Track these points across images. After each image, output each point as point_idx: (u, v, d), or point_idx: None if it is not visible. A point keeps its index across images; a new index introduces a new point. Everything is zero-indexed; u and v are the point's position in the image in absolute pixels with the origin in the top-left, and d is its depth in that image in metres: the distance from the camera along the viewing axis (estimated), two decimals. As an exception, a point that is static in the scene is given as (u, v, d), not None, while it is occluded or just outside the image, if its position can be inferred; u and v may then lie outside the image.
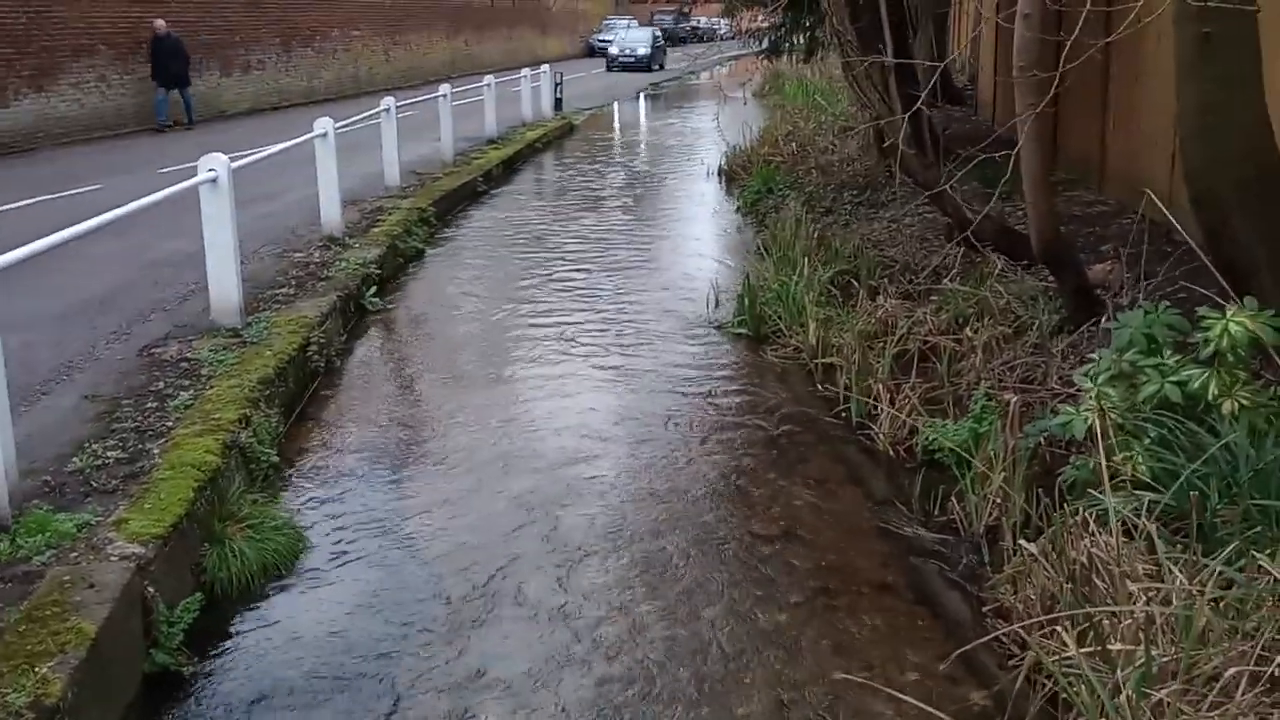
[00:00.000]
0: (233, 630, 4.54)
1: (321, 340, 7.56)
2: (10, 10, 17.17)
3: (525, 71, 23.16)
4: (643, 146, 22.01)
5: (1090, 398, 4.54)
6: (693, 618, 4.52)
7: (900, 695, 3.79)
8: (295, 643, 4.42)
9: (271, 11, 25.15)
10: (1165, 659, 3.35)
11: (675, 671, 4.15)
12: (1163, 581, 3.68)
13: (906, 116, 7.91)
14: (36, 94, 17.79)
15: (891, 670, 4.12)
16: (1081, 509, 4.17)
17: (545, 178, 18.08)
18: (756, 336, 8.15)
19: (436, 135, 16.28)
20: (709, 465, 6.09)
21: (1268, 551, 3.63)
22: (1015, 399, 5.21)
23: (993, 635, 4.07)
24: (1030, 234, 6.71)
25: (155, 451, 5.33)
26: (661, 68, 42.12)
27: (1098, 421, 4.34)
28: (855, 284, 8.40)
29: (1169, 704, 3.18)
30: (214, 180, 7.30)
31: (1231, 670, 3.23)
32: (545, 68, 24.92)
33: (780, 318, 8.08)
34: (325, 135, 10.57)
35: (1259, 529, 3.87)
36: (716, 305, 9.02)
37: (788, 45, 16.88)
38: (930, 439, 5.77)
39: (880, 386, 6.37)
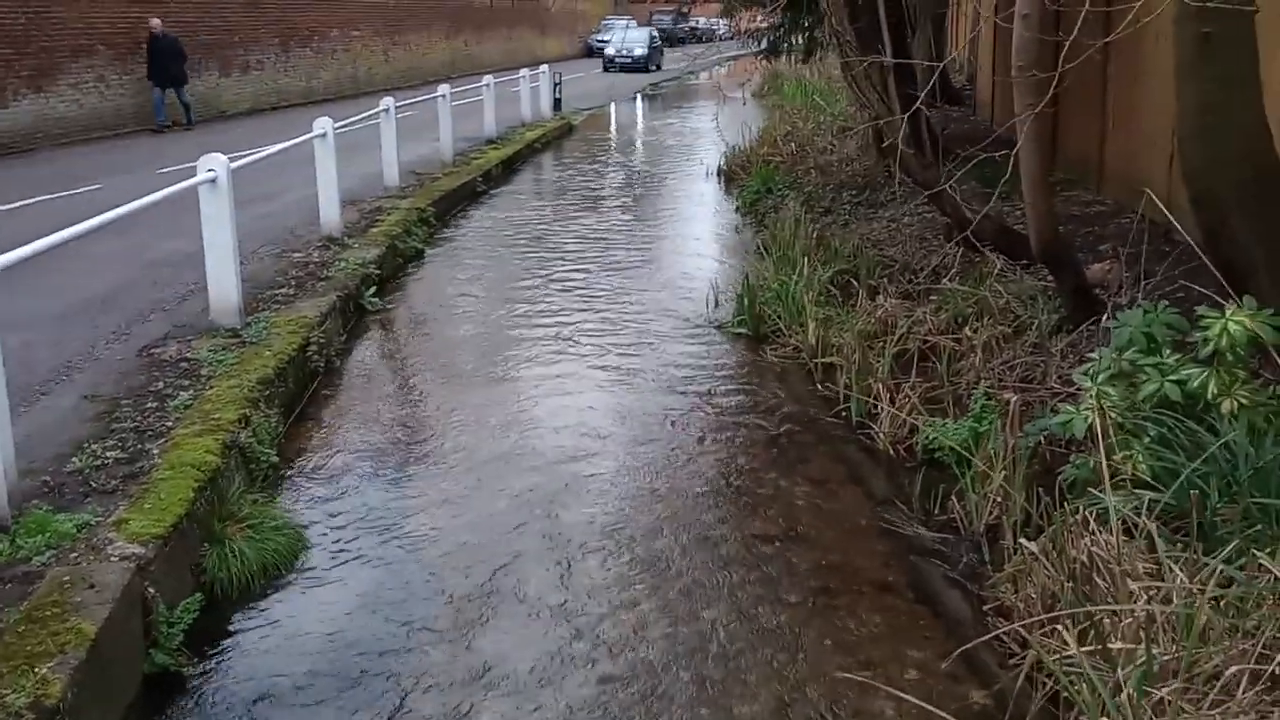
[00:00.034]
0: (233, 630, 4.54)
1: (321, 340, 7.56)
2: (9, 10, 17.15)
3: (524, 72, 23.15)
4: (642, 146, 22.00)
5: (1090, 397, 4.54)
6: (693, 616, 4.52)
7: (901, 694, 3.80)
8: (295, 642, 4.42)
9: (270, 12, 25.13)
10: (1166, 657, 3.36)
11: (676, 670, 4.16)
12: (1163, 580, 3.69)
13: (905, 116, 7.93)
14: (35, 94, 17.78)
15: (892, 669, 4.12)
16: (1082, 508, 4.17)
17: (544, 178, 18.07)
18: (756, 336, 8.16)
19: (436, 135, 16.26)
20: (709, 464, 6.10)
21: (1268, 550, 3.64)
22: (1015, 398, 5.22)
23: (993, 634, 4.06)
24: (1029, 234, 6.71)
25: (155, 452, 5.33)
26: (659, 68, 42.05)
27: (1098, 420, 4.35)
28: (855, 283, 8.40)
29: (1170, 702, 3.19)
30: (213, 180, 7.30)
31: (1232, 669, 3.24)
32: (544, 68, 24.91)
33: (780, 317, 8.08)
34: (324, 135, 10.57)
35: (1259, 527, 3.87)
36: (716, 305, 9.02)
37: (786, 45, 16.86)
38: (930, 438, 5.77)
39: (880, 386, 6.38)
